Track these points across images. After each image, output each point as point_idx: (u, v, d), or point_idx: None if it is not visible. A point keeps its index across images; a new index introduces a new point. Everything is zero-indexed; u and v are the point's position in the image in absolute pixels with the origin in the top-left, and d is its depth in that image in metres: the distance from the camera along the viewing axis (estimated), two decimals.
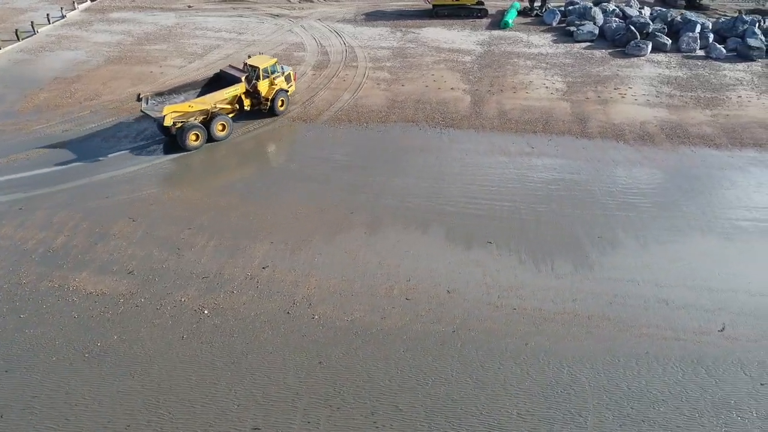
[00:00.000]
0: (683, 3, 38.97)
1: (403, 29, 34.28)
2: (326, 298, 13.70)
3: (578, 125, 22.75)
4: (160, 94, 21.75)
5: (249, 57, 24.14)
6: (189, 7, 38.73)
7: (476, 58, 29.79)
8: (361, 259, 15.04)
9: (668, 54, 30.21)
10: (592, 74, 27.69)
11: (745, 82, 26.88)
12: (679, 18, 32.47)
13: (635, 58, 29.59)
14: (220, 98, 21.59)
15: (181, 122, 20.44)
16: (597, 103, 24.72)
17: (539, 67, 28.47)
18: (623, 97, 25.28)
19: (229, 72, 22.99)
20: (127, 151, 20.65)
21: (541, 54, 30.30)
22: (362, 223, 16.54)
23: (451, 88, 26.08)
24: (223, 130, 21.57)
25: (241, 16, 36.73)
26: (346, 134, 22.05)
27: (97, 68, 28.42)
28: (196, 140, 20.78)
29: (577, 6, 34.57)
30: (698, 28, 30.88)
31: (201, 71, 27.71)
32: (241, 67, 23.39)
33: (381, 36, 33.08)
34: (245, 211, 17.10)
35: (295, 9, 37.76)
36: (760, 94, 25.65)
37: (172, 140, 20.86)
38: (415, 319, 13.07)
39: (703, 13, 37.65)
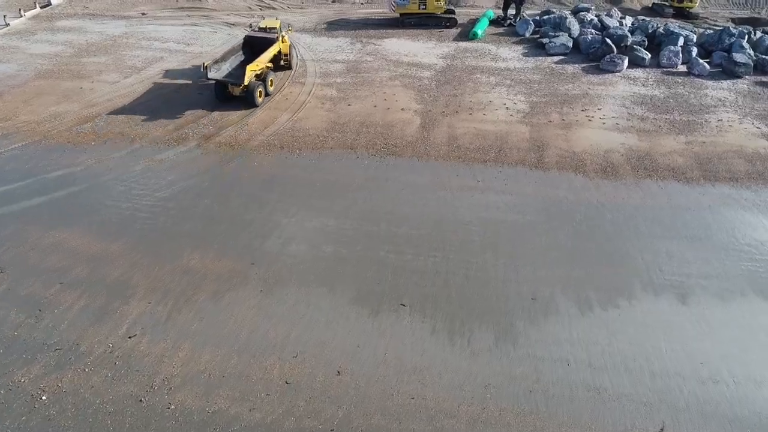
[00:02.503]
0: (671, 12, 36.72)
1: (364, 40, 32.16)
2: (191, 380, 11.59)
3: (535, 154, 20.55)
4: (216, 62, 24.26)
5: (261, 22, 28.32)
6: (143, 14, 36.78)
7: (436, 73, 27.63)
8: (247, 325, 12.93)
9: (647, 69, 27.93)
10: (560, 93, 25.48)
11: (727, 103, 24.58)
12: (661, 29, 30.19)
13: (610, 75, 27.34)
14: (268, 57, 25.27)
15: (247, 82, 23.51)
16: (560, 127, 22.51)
17: (503, 84, 26.27)
18: (590, 120, 23.05)
19: (256, 35, 26.46)
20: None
21: (508, 69, 28.10)
22: (261, 278, 14.42)
23: (402, 109, 23.93)
24: (271, 85, 25.36)
25: (195, 24, 34.73)
26: (272, 164, 19.94)
27: (24, 83, 26.45)
28: (261, 96, 24.26)
29: (553, 16, 32.35)
30: (681, 41, 28.59)
31: (135, 87, 25.72)
32: (257, 31, 27.00)
33: (338, 48, 30.98)
34: (132, 261, 15.01)
35: (253, 17, 35.67)
36: (743, 116, 23.37)
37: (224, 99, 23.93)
38: (290, 411, 10.93)
39: (692, 23, 35.44)
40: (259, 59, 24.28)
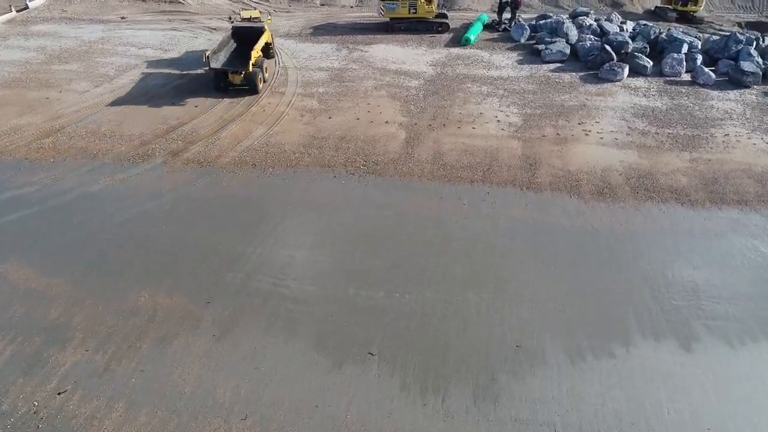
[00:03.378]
0: (674, 15, 35.23)
1: (351, 46, 30.73)
2: None
3: (526, 173, 19.10)
4: (215, 52, 24.58)
5: (242, 13, 29.23)
6: (122, 18, 35.43)
7: (424, 82, 26.19)
8: (193, 378, 11.49)
9: (649, 78, 26.46)
10: (555, 104, 24.01)
11: (735, 116, 23.10)
12: (664, 36, 28.71)
13: (609, 84, 25.88)
14: (263, 44, 26.11)
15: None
16: (554, 142, 21.06)
17: (495, 95, 24.81)
18: (587, 134, 21.59)
19: (244, 26, 27.38)
20: None
21: (501, 78, 26.64)
22: (215, 320, 12.99)
23: (386, 122, 22.49)
24: (266, 71, 26.24)
25: (175, 29, 33.34)
26: (241, 184, 18.52)
27: None
28: (261, 83, 25.11)
29: (549, 21, 30.88)
30: (685, 48, 27.12)
31: (104, 97, 24.33)
32: (242, 22, 27.96)
33: (323, 54, 29.56)
34: (75, 299, 13.58)
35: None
36: (752, 131, 21.90)
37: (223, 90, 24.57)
38: None
39: (697, 27, 33.94)
40: (257, 45, 25.13)
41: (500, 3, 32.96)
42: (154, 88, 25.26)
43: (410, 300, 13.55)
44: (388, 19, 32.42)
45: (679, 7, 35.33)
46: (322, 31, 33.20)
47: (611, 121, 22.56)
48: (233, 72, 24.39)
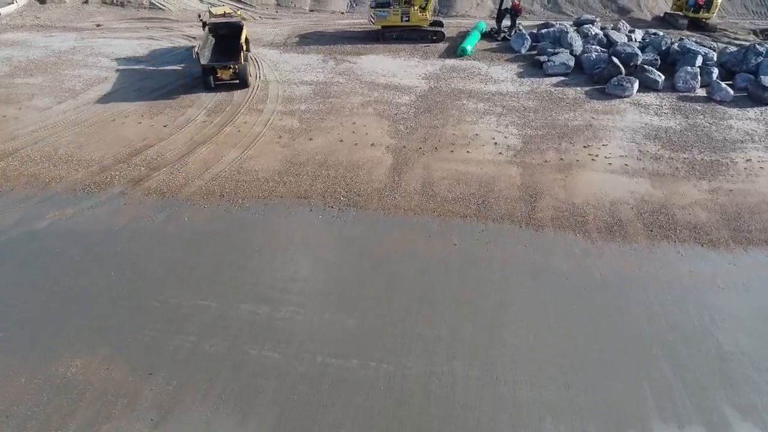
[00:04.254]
0: (685, 23, 33.28)
1: (338, 57, 28.84)
2: None
3: (526, 206, 17.18)
4: (201, 48, 24.75)
5: (213, 10, 28.73)
6: (97, 26, 33.57)
7: (416, 98, 24.28)
8: None
9: (660, 94, 24.51)
10: (559, 124, 22.10)
11: (756, 137, 21.15)
12: (676, 46, 26.78)
13: (617, 100, 23.95)
14: (245, 37, 26.01)
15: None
16: (557, 169, 19.14)
17: (492, 113, 22.90)
18: (594, 159, 19.67)
19: (221, 22, 26.96)
20: None
21: (499, 93, 24.73)
22: (156, 397, 11.08)
23: (372, 144, 20.60)
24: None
25: (151, 38, 31.48)
26: (206, 219, 16.64)
27: None
28: (250, 76, 25.57)
29: (552, 30, 28.95)
30: (699, 61, 25.18)
31: (67, 115, 22.44)
32: (218, 18, 27.55)
33: (308, 66, 27.68)
34: None
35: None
36: None
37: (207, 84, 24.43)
38: None
39: (710, 36, 32.01)
40: (243, 38, 25.42)
41: (499, 10, 31.07)
42: (122, 105, 23.39)
43: (388, 371, 11.64)
44: (379, 27, 30.53)
45: (691, 14, 33.36)
46: (309, 40, 31.30)
47: (620, 144, 20.63)
48: (223, 67, 24.48)
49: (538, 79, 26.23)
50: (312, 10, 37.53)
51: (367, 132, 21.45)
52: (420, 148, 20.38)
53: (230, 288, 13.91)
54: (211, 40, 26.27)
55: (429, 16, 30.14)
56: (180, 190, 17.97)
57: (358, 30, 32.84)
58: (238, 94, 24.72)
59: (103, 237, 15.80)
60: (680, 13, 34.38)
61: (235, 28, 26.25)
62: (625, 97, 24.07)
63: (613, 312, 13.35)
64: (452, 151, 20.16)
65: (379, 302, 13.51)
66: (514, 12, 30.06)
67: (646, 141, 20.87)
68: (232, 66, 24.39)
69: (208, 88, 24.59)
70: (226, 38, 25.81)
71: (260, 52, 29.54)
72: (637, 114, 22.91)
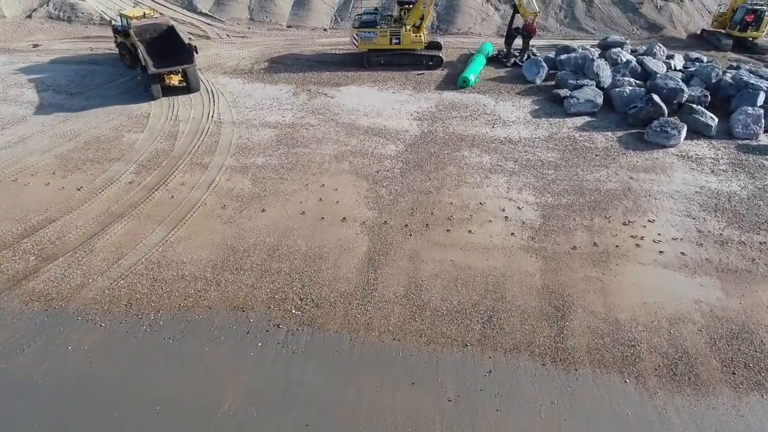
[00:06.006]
0: (729, 43, 28.53)
1: (313, 88, 24.17)
2: None
3: (551, 326, 12.45)
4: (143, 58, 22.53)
5: (129, 13, 25.49)
6: (34, 46, 29.01)
7: (405, 148, 19.59)
8: None
9: (714, 143, 19.75)
10: (588, 187, 17.37)
11: None
12: (728, 78, 22.01)
13: (660, 151, 19.21)
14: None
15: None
16: (591, 260, 14.41)
17: (501, 170, 18.20)
18: (639, 244, 14.93)
19: (147, 24, 23.92)
20: None
21: (510, 140, 20.02)
22: None
23: (343, 219, 15.92)
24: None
25: (94, 62, 26.85)
26: (97, 348, 11.88)
27: None
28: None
29: (574, 55, 24.21)
30: (761, 99, 20.45)
31: None
32: (141, 20, 24.44)
33: (275, 102, 23.01)
34: None
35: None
36: None
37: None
38: None
39: (760, 59, 27.29)
40: (184, 38, 24.29)
41: (509, 30, 26.39)
42: (32, 158, 18.81)
43: None
44: (365, 50, 25.89)
45: (736, 33, 28.62)
46: (281, 65, 26.64)
47: (671, 219, 15.89)
48: (170, 72, 23.16)
49: (557, 119, 21.51)
50: (290, 26, 32.92)
51: (338, 199, 16.77)
52: (406, 225, 15.68)
53: None
54: (141, 46, 22.92)
55: (424, 37, 25.47)
56: (74, 296, 13.29)
57: (341, 52, 28.17)
58: (184, 136, 20.15)
59: None
60: (722, 30, 29.67)
61: (164, 30, 24.07)
62: (669, 146, 19.35)
63: None
64: (449, 231, 15.44)
65: None
66: (527, 33, 25.35)
67: (705, 214, 16.12)
68: (181, 70, 23.08)
69: (156, 98, 22.86)
70: (158, 42, 23.59)
71: (220, 81, 24.92)
72: (688, 172, 18.16)
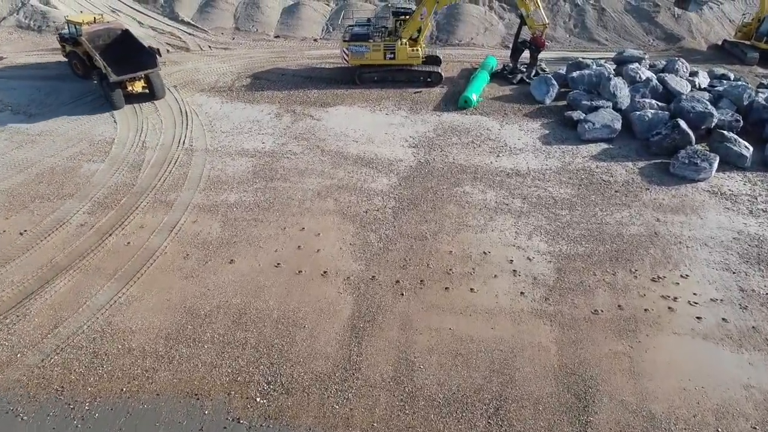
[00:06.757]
0: (755, 56, 26.36)
1: (298, 109, 22.03)
2: None
3: (570, 425, 10.19)
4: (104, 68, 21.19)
5: (76, 19, 23.77)
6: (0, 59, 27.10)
7: (398, 182, 17.44)
8: None
9: (749, 175, 17.57)
10: (608, 231, 15.20)
11: None
12: (762, 100, 19.82)
13: (689, 186, 17.04)
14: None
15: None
16: (615, 329, 12.22)
17: (508, 210, 16.04)
18: (671, 307, 12.75)
19: (98, 29, 22.79)
20: None
21: (517, 172, 17.86)
22: None
23: (324, 273, 13.75)
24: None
25: (59, 78, 24.68)
26: None
27: None
28: None
29: (587, 72, 22.03)
30: None
31: None
32: (93, 26, 23.04)
33: (255, 125, 20.88)
34: None
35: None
36: None
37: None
38: None
39: None
40: (141, 42, 23.21)
41: (515, 43, 24.22)
42: None
43: None
44: (358, 66, 23.74)
45: (763, 45, 26.46)
46: (264, 81, 24.51)
47: (708, 274, 13.70)
48: (132, 79, 21.87)
49: (570, 146, 19.34)
50: (278, 36, 30.82)
51: (319, 247, 14.61)
52: (398, 281, 13.51)
53: None
54: (96, 53, 21.70)
55: (422, 51, 23.33)
56: None
57: (331, 66, 26.05)
58: (150, 167, 18.03)
59: None
60: (747, 42, 27.53)
61: (119, 35, 23.11)
62: (699, 180, 17.20)
63: None
64: (447, 289, 13.28)
65: None
66: (535, 47, 23.21)
67: (747, 267, 13.92)
68: (144, 75, 21.88)
69: (118, 108, 21.73)
70: (111, 47, 22.57)
71: (196, 100, 22.79)
72: (723, 212, 15.97)
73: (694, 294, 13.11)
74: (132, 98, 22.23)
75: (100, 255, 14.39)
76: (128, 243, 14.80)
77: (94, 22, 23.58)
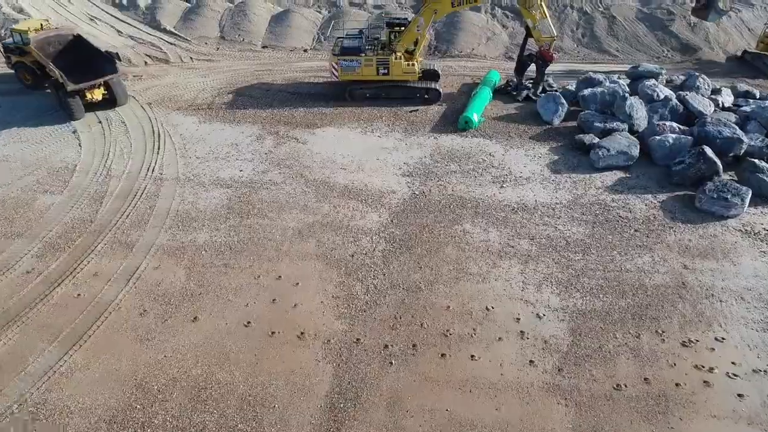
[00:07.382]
0: None
1: (282, 130, 20.19)
2: None
3: None
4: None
5: (24, 26, 22.29)
6: None
7: (390, 218, 15.62)
8: None
9: None
10: (628, 281, 13.35)
11: None
12: None
13: (718, 224, 15.18)
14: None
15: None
16: (643, 412, 10.22)
17: (514, 253, 14.19)
18: (708, 382, 10.86)
19: (50, 36, 22.02)
20: None
21: (524, 206, 16.02)
22: None
23: (301, 334, 11.91)
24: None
25: (23, 92, 22.84)
26: None
27: None
28: None
29: (600, 91, 20.17)
30: None
31: None
32: (43, 32, 22.07)
33: (234, 148, 19.06)
34: None
35: (128, 79, 23.95)
36: None
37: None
38: None
39: None
40: (96, 47, 22.06)
41: (519, 57, 22.34)
42: None
43: None
44: (348, 81, 21.92)
45: None
46: (247, 98, 22.65)
47: (747, 336, 11.85)
48: (91, 87, 20.57)
49: (582, 175, 17.49)
50: (265, 46, 29.02)
51: (297, 301, 12.77)
52: (386, 346, 11.67)
53: None
54: (48, 61, 20.70)
55: (418, 66, 21.50)
56: None
57: (321, 80, 24.18)
58: (112, 199, 16.22)
59: None
60: None
61: (70, 41, 22.22)
62: (729, 217, 15.36)
63: None
64: (444, 356, 11.43)
65: None
66: (542, 61, 21.36)
67: None
68: (103, 82, 20.79)
69: (77, 116, 20.60)
70: (64, 54, 21.65)
71: (171, 120, 20.98)
72: (759, 258, 14.06)
73: (733, 363, 11.24)
74: (92, 106, 20.98)
75: (45, 310, 12.57)
76: (78, 295, 12.98)
77: (41, 28, 22.25)
